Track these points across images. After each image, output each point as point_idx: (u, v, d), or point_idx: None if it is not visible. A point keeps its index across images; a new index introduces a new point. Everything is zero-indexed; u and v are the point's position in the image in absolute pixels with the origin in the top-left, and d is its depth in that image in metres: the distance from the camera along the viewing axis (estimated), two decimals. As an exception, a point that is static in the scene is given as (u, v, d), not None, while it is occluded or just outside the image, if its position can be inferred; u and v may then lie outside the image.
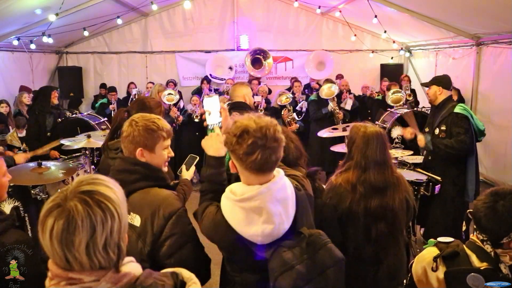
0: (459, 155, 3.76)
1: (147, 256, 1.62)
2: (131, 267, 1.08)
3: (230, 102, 3.84)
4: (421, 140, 3.91)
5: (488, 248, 1.55)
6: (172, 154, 1.90)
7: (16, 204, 3.52)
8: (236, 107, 3.72)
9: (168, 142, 1.86)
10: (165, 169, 1.90)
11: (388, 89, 7.11)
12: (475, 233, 1.63)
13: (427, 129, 4.03)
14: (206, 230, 1.60)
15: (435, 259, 1.61)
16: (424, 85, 4.10)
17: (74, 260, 0.97)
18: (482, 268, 1.53)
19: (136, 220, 1.65)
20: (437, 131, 3.85)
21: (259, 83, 8.00)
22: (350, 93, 7.06)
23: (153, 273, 1.08)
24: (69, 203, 0.97)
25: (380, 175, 2.19)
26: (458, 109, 3.76)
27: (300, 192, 1.61)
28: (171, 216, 1.65)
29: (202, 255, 1.76)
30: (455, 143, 3.69)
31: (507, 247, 1.54)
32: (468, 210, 1.67)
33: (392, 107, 6.47)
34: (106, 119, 6.18)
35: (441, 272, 1.59)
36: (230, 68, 8.64)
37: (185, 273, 1.13)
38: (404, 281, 1.82)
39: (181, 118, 6.32)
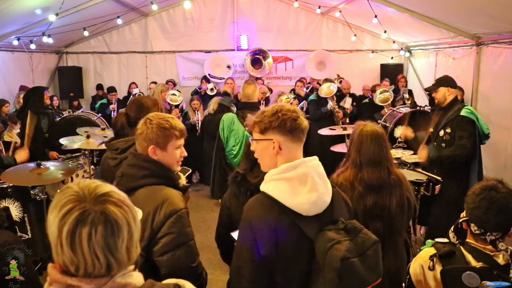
0: (463, 161, 3.76)
1: (143, 250, 1.63)
2: (133, 276, 1.05)
3: (242, 102, 3.89)
4: (422, 156, 3.89)
5: (503, 246, 1.55)
6: (185, 153, 1.93)
7: (6, 205, 3.53)
8: (248, 107, 3.76)
9: (181, 141, 1.89)
10: (178, 168, 1.93)
11: (373, 90, 7.14)
12: (470, 230, 1.63)
13: (432, 129, 4.01)
14: (249, 212, 1.55)
15: (431, 257, 1.63)
16: (430, 89, 4.00)
17: (115, 262, 0.97)
18: (477, 267, 1.54)
19: (139, 214, 1.66)
20: (441, 133, 3.84)
21: (263, 83, 8.03)
22: (350, 95, 7.08)
23: (155, 283, 1.07)
24: (97, 207, 0.95)
25: (374, 174, 2.19)
26: (464, 112, 3.74)
27: (335, 189, 1.66)
28: (171, 214, 1.67)
29: (194, 261, 1.74)
30: (456, 149, 3.68)
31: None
32: (460, 220, 1.66)
33: (382, 107, 6.48)
34: (100, 114, 6.19)
35: (437, 271, 1.59)
36: (229, 67, 8.64)
37: (188, 286, 1.12)
38: (403, 284, 1.81)
39: (181, 119, 6.32)
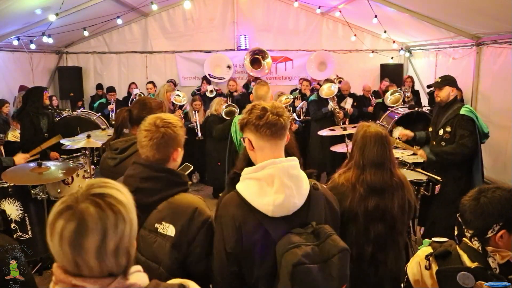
0: (463, 159, 3.77)
1: (183, 263, 1.62)
2: (138, 277, 1.04)
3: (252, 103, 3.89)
4: (422, 155, 3.95)
5: (475, 244, 1.56)
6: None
7: (7, 204, 3.54)
8: None
9: None
10: None
11: (387, 90, 7.13)
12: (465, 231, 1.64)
13: (430, 129, 4.04)
14: (221, 208, 1.59)
15: (427, 257, 1.63)
16: (435, 86, 3.97)
17: (84, 264, 0.95)
18: (472, 267, 1.54)
19: (170, 230, 1.62)
20: (441, 132, 3.86)
21: None
22: (350, 95, 7.07)
23: (160, 284, 1.07)
24: (80, 205, 0.95)
25: (376, 177, 2.17)
26: (464, 110, 3.77)
27: (317, 191, 1.63)
28: (203, 225, 1.65)
29: None
30: (457, 147, 3.71)
31: (495, 244, 1.54)
32: (458, 214, 1.67)
33: (392, 107, 6.49)
34: (100, 114, 6.18)
35: (434, 271, 1.60)
36: (229, 67, 8.64)
37: (192, 285, 1.12)
38: (402, 284, 1.81)
39: (183, 121, 6.30)
